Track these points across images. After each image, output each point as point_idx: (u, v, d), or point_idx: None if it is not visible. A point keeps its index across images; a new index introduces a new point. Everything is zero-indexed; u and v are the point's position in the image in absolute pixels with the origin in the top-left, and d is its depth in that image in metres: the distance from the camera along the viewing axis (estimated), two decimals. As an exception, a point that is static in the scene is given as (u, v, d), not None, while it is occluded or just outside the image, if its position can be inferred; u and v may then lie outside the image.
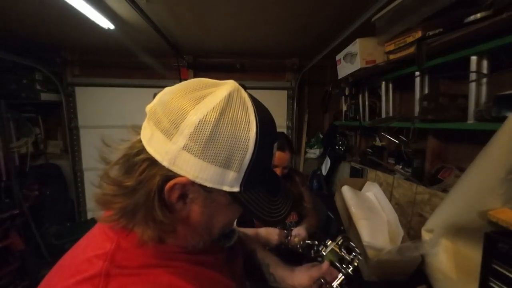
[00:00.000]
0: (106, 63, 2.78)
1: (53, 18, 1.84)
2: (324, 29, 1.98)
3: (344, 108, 2.46)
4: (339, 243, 0.76)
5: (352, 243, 0.75)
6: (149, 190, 0.36)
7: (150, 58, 2.59)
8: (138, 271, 0.37)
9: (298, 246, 1.01)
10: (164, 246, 0.41)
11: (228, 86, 0.38)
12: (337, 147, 2.56)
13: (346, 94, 2.26)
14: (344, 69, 1.88)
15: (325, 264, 0.67)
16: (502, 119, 0.84)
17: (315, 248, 0.83)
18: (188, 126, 0.34)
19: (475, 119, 1.11)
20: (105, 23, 1.78)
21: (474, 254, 0.83)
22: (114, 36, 2.04)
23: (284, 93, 3.05)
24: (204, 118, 0.34)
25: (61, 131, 2.95)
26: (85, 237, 0.44)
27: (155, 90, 2.81)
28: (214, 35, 2.24)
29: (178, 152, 0.34)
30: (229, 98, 0.36)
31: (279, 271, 0.70)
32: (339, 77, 2.01)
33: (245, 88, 0.40)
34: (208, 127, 0.34)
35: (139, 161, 0.37)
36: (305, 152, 3.14)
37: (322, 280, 0.65)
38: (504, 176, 0.79)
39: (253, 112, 0.37)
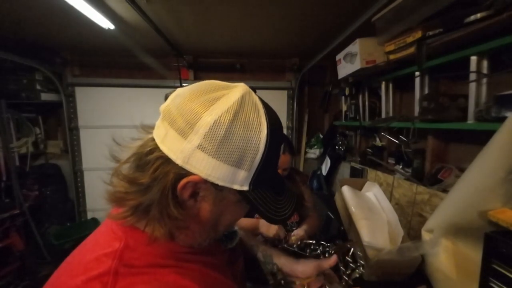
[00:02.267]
0: (106, 63, 2.78)
1: (53, 18, 1.84)
2: (324, 29, 1.98)
3: (344, 108, 2.46)
4: (349, 245, 0.76)
5: (359, 253, 0.75)
6: (163, 187, 0.37)
7: (150, 58, 2.59)
8: (146, 270, 0.38)
9: (294, 245, 1.00)
10: (172, 244, 0.42)
11: (240, 88, 0.40)
12: (337, 147, 2.56)
13: (346, 94, 2.26)
14: (344, 69, 1.88)
15: (334, 257, 0.67)
16: (502, 119, 0.84)
17: (311, 247, 0.83)
18: (203, 126, 0.35)
19: (475, 119, 1.11)
20: (105, 23, 1.78)
21: (474, 254, 0.83)
22: (114, 36, 2.04)
23: (284, 93, 3.05)
24: (219, 119, 0.35)
25: (61, 131, 2.95)
26: (92, 235, 0.44)
27: (155, 90, 2.82)
28: (214, 35, 2.24)
29: (192, 151, 0.36)
30: (242, 100, 0.38)
31: (282, 259, 0.70)
32: (339, 77, 2.01)
33: (255, 91, 0.42)
34: (223, 128, 0.35)
35: (152, 159, 0.38)
36: (305, 152, 3.14)
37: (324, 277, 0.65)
38: (504, 176, 0.79)
39: (264, 115, 0.39)
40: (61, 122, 2.91)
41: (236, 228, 0.59)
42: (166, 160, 0.37)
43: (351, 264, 0.72)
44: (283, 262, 0.69)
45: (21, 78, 2.54)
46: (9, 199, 2.26)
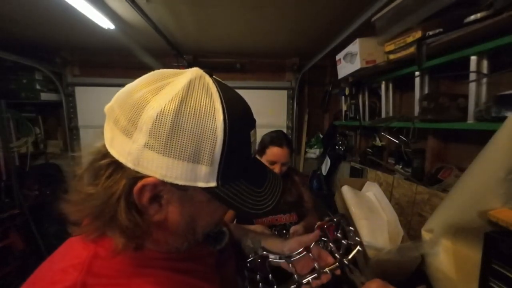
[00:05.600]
0: (106, 63, 2.78)
1: (53, 18, 1.84)
2: (324, 29, 1.98)
3: (344, 108, 2.46)
4: (335, 219, 0.70)
5: (351, 228, 0.68)
6: (114, 195, 0.34)
7: (150, 58, 2.59)
8: (118, 281, 0.35)
9: None
10: (143, 253, 0.39)
11: (188, 73, 0.35)
12: (337, 147, 2.56)
13: (346, 94, 2.26)
14: (344, 69, 1.88)
15: (316, 233, 0.65)
16: (502, 119, 0.84)
17: None
18: (146, 122, 0.31)
19: (475, 119, 1.11)
20: (105, 23, 1.78)
21: (474, 254, 0.83)
22: (114, 36, 2.04)
23: (284, 93, 3.05)
24: (162, 110, 0.31)
25: (61, 131, 2.95)
26: (63, 245, 0.41)
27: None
28: (214, 35, 2.24)
29: (140, 151, 0.32)
30: (190, 86, 0.33)
31: (268, 241, 0.69)
32: (339, 77, 2.01)
33: (211, 74, 0.37)
34: (168, 120, 0.31)
35: (103, 166, 0.35)
36: (305, 152, 3.14)
37: (316, 265, 0.61)
38: (504, 176, 0.79)
39: (219, 99, 0.34)
40: (61, 122, 2.90)
41: (224, 228, 0.56)
42: (118, 165, 0.34)
43: (343, 242, 0.66)
44: (270, 244, 0.68)
45: (21, 78, 2.54)
46: (9, 199, 2.26)
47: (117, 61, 2.76)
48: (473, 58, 1.10)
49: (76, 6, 1.50)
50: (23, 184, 2.43)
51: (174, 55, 2.57)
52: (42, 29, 2.06)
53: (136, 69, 2.77)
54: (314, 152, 3.04)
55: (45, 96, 2.66)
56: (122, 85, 0.39)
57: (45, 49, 2.54)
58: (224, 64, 2.90)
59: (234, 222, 1.16)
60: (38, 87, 2.61)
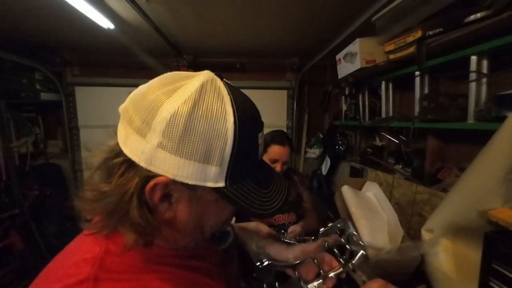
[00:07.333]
0: (106, 63, 2.78)
1: (53, 18, 1.84)
2: (324, 29, 1.98)
3: (344, 108, 2.46)
4: (339, 225, 0.70)
5: (355, 233, 0.67)
6: (127, 193, 0.35)
7: (150, 58, 2.59)
8: (129, 276, 0.36)
9: (293, 240, 1.00)
10: (153, 249, 0.40)
11: (201, 76, 0.36)
12: (337, 147, 2.56)
13: (346, 94, 2.26)
14: (344, 69, 1.88)
15: (320, 241, 0.64)
16: (502, 119, 0.84)
17: (310, 241, 0.81)
18: (160, 123, 0.32)
19: (475, 119, 1.11)
20: (105, 23, 1.78)
21: (474, 254, 0.83)
22: (114, 36, 2.04)
23: (284, 93, 3.05)
24: (176, 112, 0.32)
25: (61, 131, 2.95)
26: (75, 240, 0.42)
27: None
28: (214, 35, 2.24)
29: (153, 151, 0.33)
30: (202, 89, 0.35)
31: (273, 248, 0.68)
32: (339, 77, 2.01)
33: (221, 77, 0.38)
34: (181, 122, 0.32)
35: (117, 164, 0.36)
36: (305, 152, 3.14)
37: (320, 269, 0.60)
38: (504, 176, 0.79)
39: (230, 102, 0.35)
40: (61, 121, 2.90)
41: (229, 228, 0.56)
42: (131, 164, 0.35)
43: (347, 247, 0.66)
44: (274, 251, 0.67)
45: (21, 77, 2.54)
46: (9, 199, 2.26)
47: (117, 61, 2.75)
48: (473, 58, 1.10)
49: (76, 5, 1.50)
50: (23, 184, 2.43)
51: (174, 55, 2.57)
52: (42, 29, 2.05)
53: (136, 69, 2.78)
54: (314, 152, 3.03)
55: (45, 96, 2.65)
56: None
57: (45, 49, 2.54)
58: (224, 64, 2.90)
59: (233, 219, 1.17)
60: (38, 87, 2.61)
